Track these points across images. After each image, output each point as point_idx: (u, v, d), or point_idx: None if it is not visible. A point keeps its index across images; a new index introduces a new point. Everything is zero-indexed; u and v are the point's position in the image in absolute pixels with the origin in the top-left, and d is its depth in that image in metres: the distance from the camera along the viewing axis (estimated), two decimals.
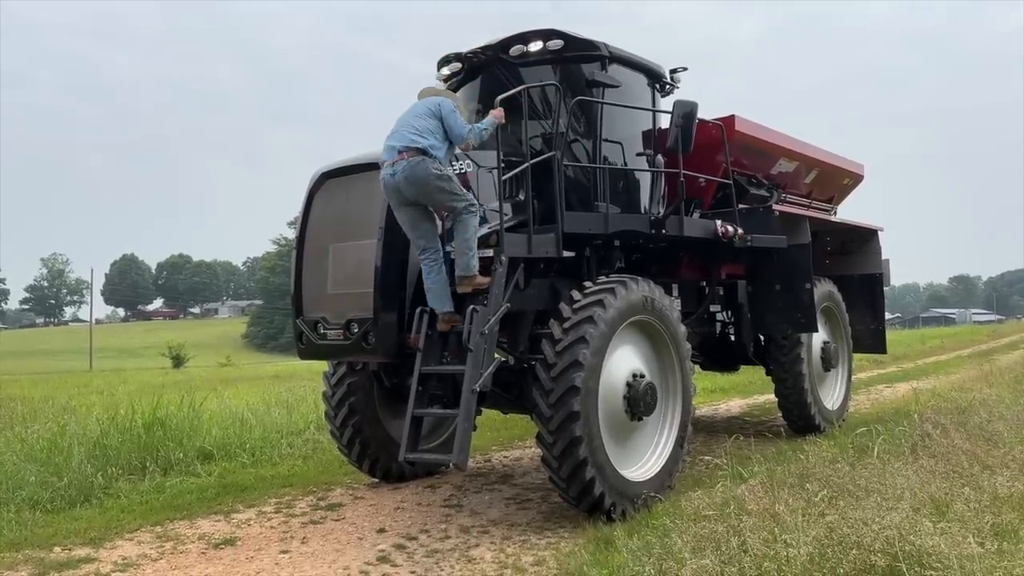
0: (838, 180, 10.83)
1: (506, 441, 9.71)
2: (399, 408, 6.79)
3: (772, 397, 9.61)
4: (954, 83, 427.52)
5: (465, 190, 5.64)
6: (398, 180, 5.39)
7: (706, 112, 7.62)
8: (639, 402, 6.13)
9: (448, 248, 5.72)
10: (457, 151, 6.17)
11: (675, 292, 7.87)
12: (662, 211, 7.40)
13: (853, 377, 10.81)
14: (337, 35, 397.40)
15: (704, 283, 8.69)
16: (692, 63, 8.20)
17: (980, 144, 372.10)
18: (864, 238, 10.70)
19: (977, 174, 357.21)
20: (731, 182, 7.85)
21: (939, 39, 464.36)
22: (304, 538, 5.76)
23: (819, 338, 9.49)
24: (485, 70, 7.20)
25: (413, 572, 4.98)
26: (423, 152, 5.39)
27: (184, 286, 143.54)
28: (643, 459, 6.38)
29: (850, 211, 11.39)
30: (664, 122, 7.50)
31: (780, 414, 9.50)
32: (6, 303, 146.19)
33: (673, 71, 7.92)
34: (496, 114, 5.87)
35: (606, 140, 6.97)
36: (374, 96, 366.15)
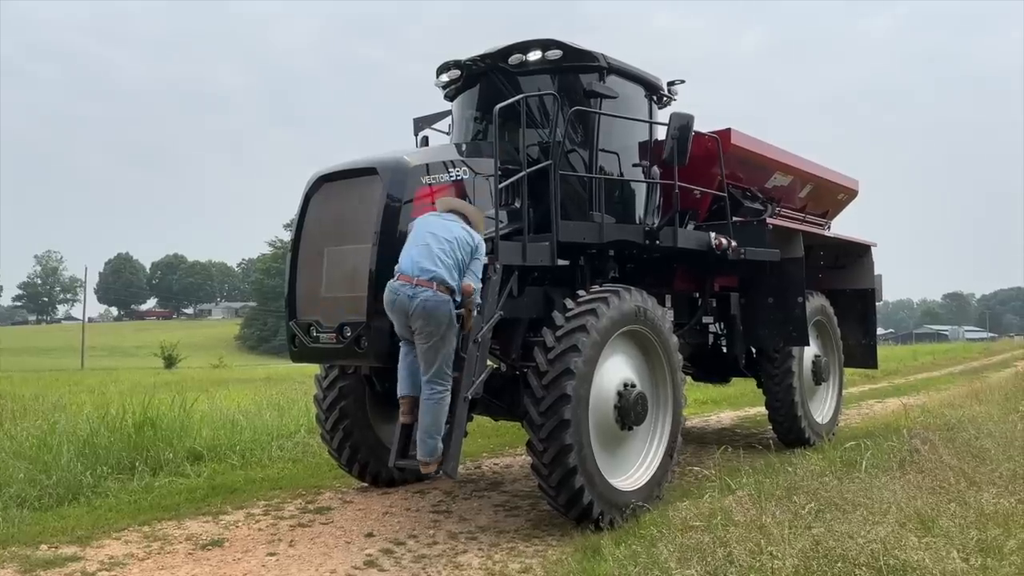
0: (833, 195, 10.90)
1: (496, 448, 9.72)
2: (390, 413, 6.79)
3: (763, 409, 9.64)
4: (952, 101, 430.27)
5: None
6: (415, 306, 5.01)
7: (705, 125, 7.70)
8: (630, 412, 6.15)
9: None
10: (453, 156, 6.22)
11: (668, 303, 7.92)
12: (657, 222, 7.44)
13: (844, 391, 10.84)
14: (338, 39, 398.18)
15: (697, 295, 8.73)
16: (693, 76, 8.28)
17: (976, 162, 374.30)
18: (857, 253, 10.77)
19: (973, 192, 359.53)
20: (726, 195, 7.90)
21: (938, 57, 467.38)
22: (292, 541, 5.76)
23: (810, 352, 9.53)
24: (484, 78, 7.24)
25: None
26: (452, 292, 5.09)
27: (178, 286, 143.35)
28: (632, 468, 6.40)
29: (845, 226, 11.46)
30: (661, 134, 7.56)
31: (770, 426, 9.54)
32: None
33: (671, 83, 7.98)
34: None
35: (603, 150, 7.02)
36: (374, 100, 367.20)
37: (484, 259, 5.43)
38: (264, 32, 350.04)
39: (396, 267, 5.23)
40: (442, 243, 5.18)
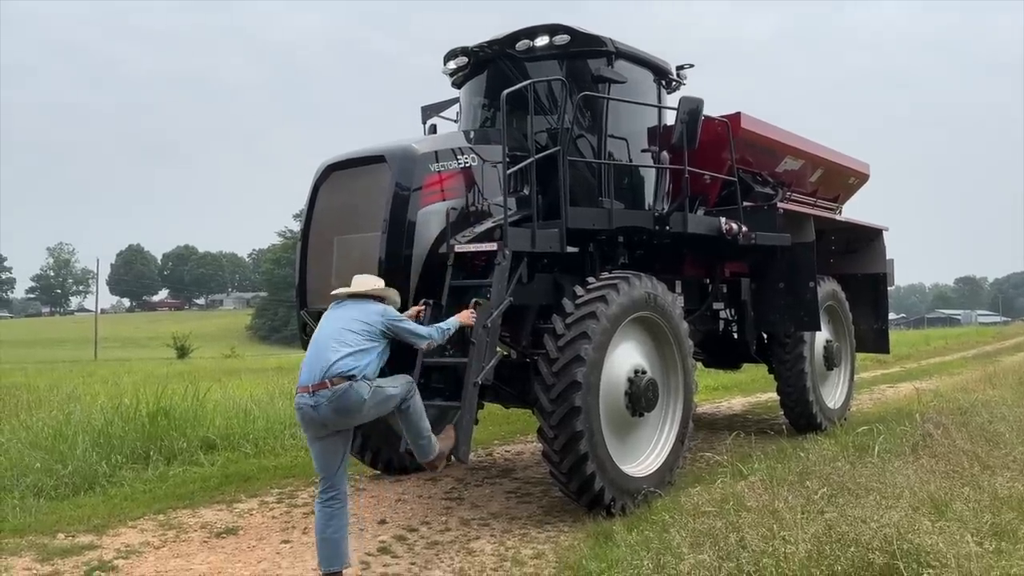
0: (844, 179, 10.82)
1: (507, 435, 9.74)
2: None
3: (774, 395, 9.62)
4: (964, 84, 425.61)
5: (406, 377, 4.79)
6: (323, 414, 4.35)
7: (716, 110, 7.64)
8: (640, 398, 6.15)
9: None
10: (462, 143, 6.21)
11: (678, 289, 7.88)
12: (666, 207, 7.40)
13: (856, 376, 10.80)
14: (346, 30, 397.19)
15: (708, 280, 8.69)
16: (703, 62, 8.21)
17: (988, 145, 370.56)
18: (869, 237, 10.69)
19: (985, 175, 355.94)
20: (736, 179, 7.85)
21: (949, 40, 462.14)
22: (305, 528, 5.79)
23: (822, 337, 9.48)
24: (491, 64, 7.21)
25: (413, 563, 5.01)
26: (350, 378, 4.39)
27: (189, 277, 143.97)
28: (644, 455, 6.40)
29: (856, 210, 11.38)
30: (670, 119, 7.50)
31: (782, 412, 9.52)
32: (12, 292, 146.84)
33: (679, 68, 7.92)
34: (463, 316, 5.26)
35: (611, 136, 6.98)
36: (382, 91, 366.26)
37: (396, 315, 4.78)
38: (271, 24, 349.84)
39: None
40: (332, 335, 4.54)
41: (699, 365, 9.44)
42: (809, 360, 8.98)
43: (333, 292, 4.90)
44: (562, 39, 6.79)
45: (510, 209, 5.88)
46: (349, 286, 4.86)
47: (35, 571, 4.92)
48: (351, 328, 4.54)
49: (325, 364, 4.40)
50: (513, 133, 6.49)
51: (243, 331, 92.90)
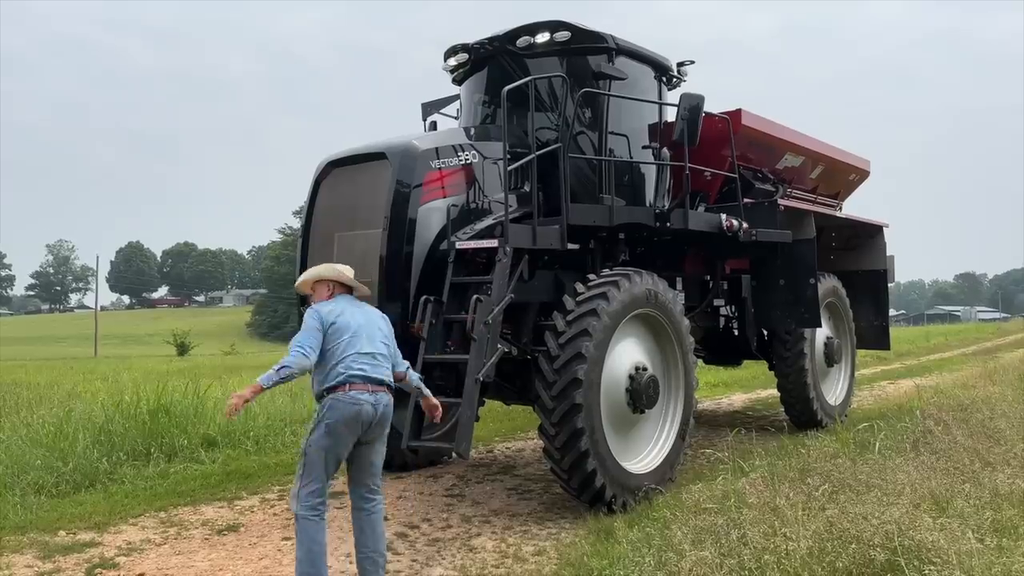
0: (844, 175, 10.82)
1: (508, 432, 9.74)
2: (402, 397, 6.80)
3: (775, 392, 9.62)
4: (964, 82, 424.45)
5: None
6: (380, 413, 4.28)
7: (717, 106, 7.63)
8: (641, 395, 6.15)
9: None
10: (462, 140, 6.20)
11: (679, 286, 7.89)
12: (667, 204, 7.39)
13: (856, 373, 10.81)
14: (346, 26, 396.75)
15: (708, 277, 8.70)
16: (704, 58, 8.21)
17: (988, 142, 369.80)
18: (869, 234, 10.70)
19: (984, 172, 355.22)
20: (736, 176, 7.84)
21: (950, 38, 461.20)
22: None
23: (822, 333, 9.49)
24: (492, 61, 7.20)
25: (415, 560, 5.02)
26: (391, 388, 4.42)
27: (189, 274, 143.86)
28: (645, 451, 6.41)
29: (857, 207, 11.38)
30: (670, 115, 7.49)
31: (782, 409, 9.53)
32: (11, 289, 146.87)
33: (680, 64, 7.92)
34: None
35: (612, 132, 6.98)
36: (382, 87, 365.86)
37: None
38: (273, 20, 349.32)
39: (343, 375, 4.24)
40: (376, 345, 4.38)
41: (700, 362, 9.44)
42: (810, 357, 8.99)
43: (360, 285, 4.61)
44: (563, 35, 6.78)
45: (511, 206, 5.88)
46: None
47: (36, 568, 4.93)
48: (384, 340, 4.46)
49: (385, 372, 4.39)
50: (514, 130, 6.49)
51: (243, 328, 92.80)
